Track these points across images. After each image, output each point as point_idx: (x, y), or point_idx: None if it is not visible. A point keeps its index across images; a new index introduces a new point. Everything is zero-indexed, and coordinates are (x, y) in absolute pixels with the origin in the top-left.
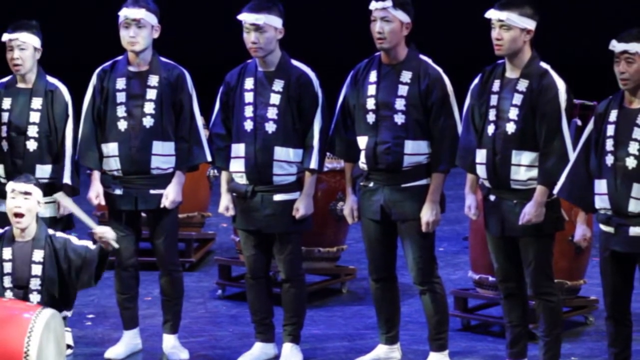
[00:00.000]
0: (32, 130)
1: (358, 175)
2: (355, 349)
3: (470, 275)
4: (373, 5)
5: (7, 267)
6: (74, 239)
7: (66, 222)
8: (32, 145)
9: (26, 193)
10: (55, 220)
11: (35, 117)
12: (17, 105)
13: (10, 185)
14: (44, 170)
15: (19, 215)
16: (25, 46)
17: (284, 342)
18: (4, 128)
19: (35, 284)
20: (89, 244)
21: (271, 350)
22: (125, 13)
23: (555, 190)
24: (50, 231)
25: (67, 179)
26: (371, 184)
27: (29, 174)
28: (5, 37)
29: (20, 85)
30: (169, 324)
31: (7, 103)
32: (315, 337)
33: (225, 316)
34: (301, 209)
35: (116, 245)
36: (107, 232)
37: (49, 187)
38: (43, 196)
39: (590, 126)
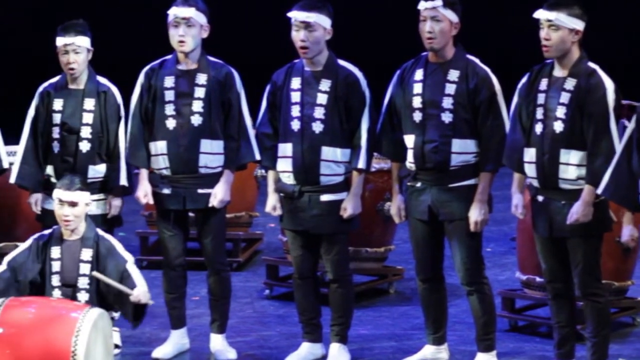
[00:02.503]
0: (85, 131)
1: (405, 175)
2: (403, 350)
3: (518, 275)
4: (422, 5)
5: (56, 266)
6: (119, 247)
7: (116, 220)
8: (85, 146)
9: (72, 204)
10: (105, 218)
11: (88, 118)
12: (69, 107)
13: (56, 193)
14: (96, 170)
15: (67, 221)
16: (80, 50)
17: (332, 342)
18: (56, 129)
19: (83, 282)
20: (130, 258)
21: (318, 350)
22: (175, 12)
23: (599, 190)
24: (99, 231)
25: (123, 180)
26: (419, 184)
27: (80, 174)
28: (60, 41)
29: (71, 86)
30: (216, 324)
31: (58, 104)
32: (363, 338)
33: (273, 316)
34: (349, 208)
35: (151, 302)
36: (141, 296)
37: (102, 185)
38: (97, 193)
39: (632, 125)
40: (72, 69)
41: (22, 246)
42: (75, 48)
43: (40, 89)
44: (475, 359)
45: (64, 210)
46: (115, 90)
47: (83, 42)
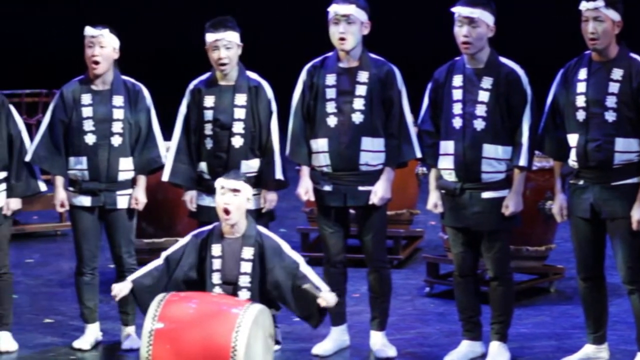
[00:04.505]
0: (238, 127)
1: (567, 173)
2: (563, 349)
3: None
4: (584, 6)
5: (217, 264)
6: (286, 247)
7: (269, 215)
8: (237, 141)
9: (235, 190)
10: (259, 212)
11: (240, 113)
12: (221, 103)
13: (219, 182)
14: (249, 166)
15: (227, 211)
16: (231, 45)
17: (491, 341)
18: (208, 126)
19: (244, 281)
20: (300, 260)
21: (478, 348)
22: (335, 9)
23: None
24: (261, 229)
25: (278, 174)
26: (581, 182)
27: (235, 169)
28: (211, 37)
29: (222, 82)
30: (376, 321)
31: (209, 101)
32: (523, 336)
33: (433, 314)
34: (510, 206)
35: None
36: (330, 299)
37: (255, 180)
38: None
39: None
40: (223, 64)
41: (180, 242)
42: (226, 43)
43: (191, 86)
44: (635, 359)
45: (226, 197)
46: (266, 84)
47: (233, 37)
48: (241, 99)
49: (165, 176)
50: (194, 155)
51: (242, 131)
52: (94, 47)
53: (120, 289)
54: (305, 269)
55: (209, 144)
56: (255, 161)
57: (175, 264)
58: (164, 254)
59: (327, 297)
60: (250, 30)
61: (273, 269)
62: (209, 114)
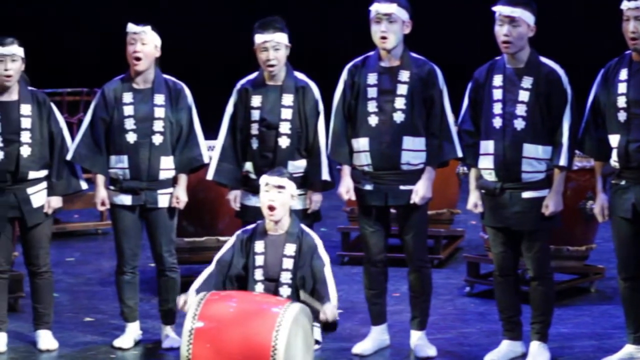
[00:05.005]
0: (284, 127)
1: (609, 173)
2: (603, 349)
3: None
4: (625, 5)
5: (259, 260)
6: (320, 246)
7: (315, 215)
8: (284, 141)
9: (279, 187)
10: (305, 213)
11: (287, 113)
12: (268, 103)
13: (264, 179)
14: (295, 166)
15: (272, 208)
16: (279, 46)
17: (532, 340)
18: (255, 126)
19: (286, 277)
20: (327, 261)
21: (518, 348)
22: (377, 8)
23: None
24: (304, 227)
25: (325, 175)
26: (622, 182)
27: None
28: (259, 38)
29: (269, 82)
30: (416, 320)
31: (256, 100)
32: (563, 336)
33: (473, 313)
34: (550, 206)
35: (337, 319)
36: (329, 315)
37: (302, 180)
38: (297, 188)
39: None
40: (272, 65)
41: (228, 243)
42: (275, 45)
43: (238, 86)
44: None
45: (270, 194)
46: (313, 85)
47: (282, 38)
48: (288, 99)
49: (210, 175)
50: (239, 154)
51: (289, 131)
52: (135, 43)
53: (187, 301)
54: (328, 272)
55: (255, 143)
56: (301, 161)
57: (227, 264)
58: (215, 258)
59: (327, 312)
60: (294, 30)
61: (303, 267)
62: (255, 114)
